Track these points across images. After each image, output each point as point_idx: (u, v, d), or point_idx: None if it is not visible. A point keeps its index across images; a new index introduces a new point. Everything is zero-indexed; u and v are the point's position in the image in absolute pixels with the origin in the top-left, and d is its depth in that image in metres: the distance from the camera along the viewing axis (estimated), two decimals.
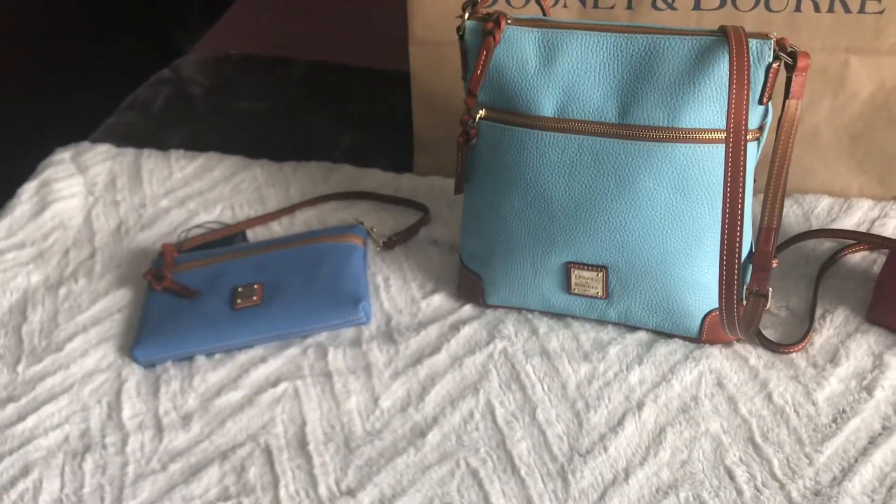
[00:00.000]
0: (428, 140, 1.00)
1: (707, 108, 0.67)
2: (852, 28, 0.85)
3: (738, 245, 0.64)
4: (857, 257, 0.83)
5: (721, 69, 0.66)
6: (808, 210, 0.88)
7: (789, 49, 0.66)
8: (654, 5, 0.88)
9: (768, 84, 0.67)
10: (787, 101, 0.67)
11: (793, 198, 0.90)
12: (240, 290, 0.81)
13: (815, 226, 0.87)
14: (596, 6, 0.90)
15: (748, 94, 0.64)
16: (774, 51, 0.66)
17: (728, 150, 0.64)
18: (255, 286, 0.81)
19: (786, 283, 0.81)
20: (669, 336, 0.77)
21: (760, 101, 0.67)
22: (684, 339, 0.76)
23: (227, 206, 0.97)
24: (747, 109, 0.64)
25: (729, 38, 0.65)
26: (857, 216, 0.87)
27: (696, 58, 0.67)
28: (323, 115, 1.10)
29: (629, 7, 0.89)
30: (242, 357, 0.79)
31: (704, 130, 0.68)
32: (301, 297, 0.79)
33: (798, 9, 0.86)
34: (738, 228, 0.64)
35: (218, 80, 1.19)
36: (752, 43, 0.66)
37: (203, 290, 0.82)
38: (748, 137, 0.67)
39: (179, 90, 1.19)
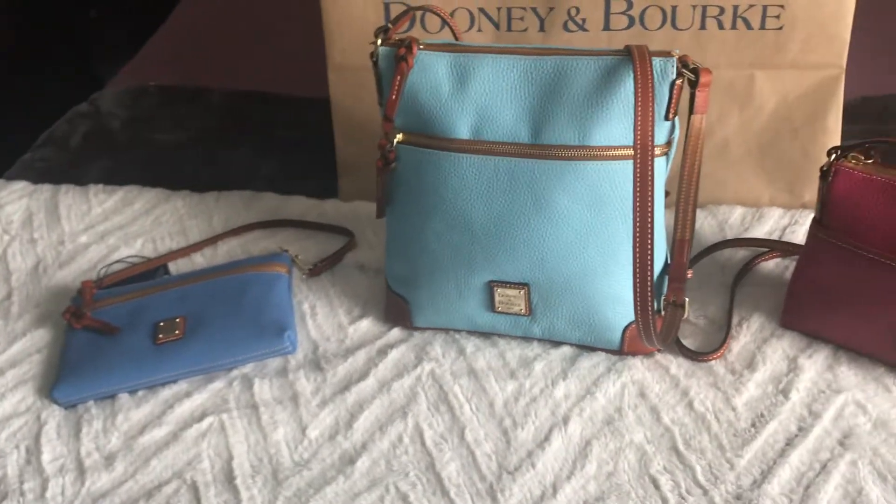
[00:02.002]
0: (351, 164, 1.00)
1: (615, 125, 0.69)
2: (755, 44, 0.88)
3: (650, 258, 0.65)
4: (771, 264, 0.86)
5: (627, 88, 0.68)
6: (722, 220, 0.91)
7: (692, 66, 0.68)
8: (565, 27, 0.90)
9: (673, 100, 0.69)
10: (692, 115, 0.69)
11: (707, 209, 0.92)
12: (162, 324, 0.79)
13: (730, 235, 0.89)
14: (510, 29, 0.91)
15: (654, 111, 0.66)
16: (677, 68, 0.68)
17: (636, 166, 0.65)
18: (178, 320, 0.80)
19: (703, 292, 0.83)
20: (593, 349, 0.78)
21: (666, 117, 0.70)
22: (607, 351, 0.77)
23: (149, 240, 0.95)
24: (653, 126, 0.66)
25: (633, 58, 0.67)
26: (769, 224, 0.90)
27: (603, 77, 0.69)
28: (244, 144, 1.10)
29: (542, 30, 0.91)
30: (166, 392, 0.77)
31: (614, 147, 0.69)
32: (225, 328, 0.78)
33: (703, 26, 0.89)
34: (650, 242, 0.65)
35: (136, 112, 1.18)
36: (656, 61, 0.68)
37: (124, 326, 0.80)
38: (656, 153, 0.69)
39: (97, 124, 1.17)
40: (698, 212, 0.92)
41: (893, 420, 0.69)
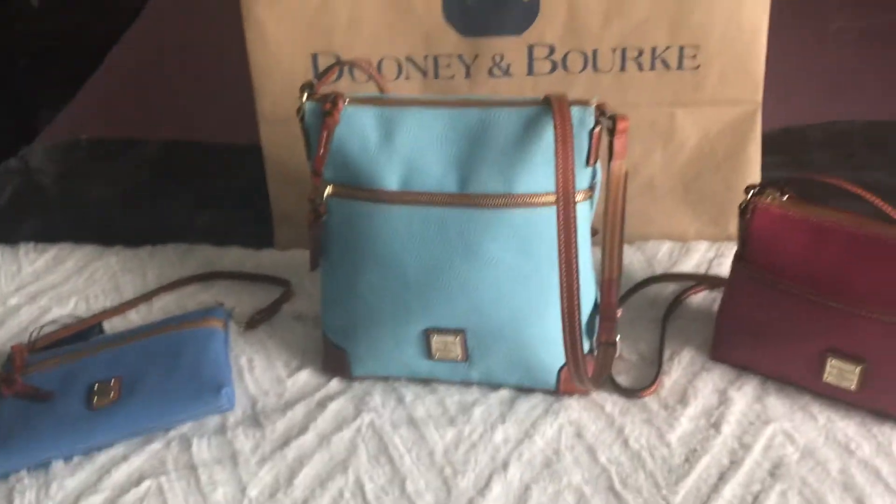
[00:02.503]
0: (287, 213, 1.00)
1: (539, 173, 0.71)
2: (674, 83, 0.91)
3: (576, 302, 0.67)
4: (699, 298, 0.88)
5: (548, 136, 0.70)
6: (650, 256, 0.93)
7: (609, 113, 0.70)
8: (491, 73, 0.92)
9: (593, 147, 0.71)
10: (612, 161, 0.71)
11: (635, 245, 0.95)
12: (96, 387, 0.78)
13: (658, 270, 0.91)
14: (437, 77, 0.93)
15: (573, 159, 0.68)
16: (596, 116, 0.70)
17: (559, 213, 0.67)
18: (112, 382, 0.78)
19: (634, 328, 0.85)
20: (530, 391, 0.79)
21: (587, 164, 0.71)
22: (544, 392, 0.79)
23: (82, 299, 0.94)
24: (573, 173, 0.68)
25: (552, 107, 0.69)
26: (696, 258, 0.93)
27: (525, 127, 0.71)
28: (178, 196, 1.09)
29: (468, 76, 0.93)
30: (102, 457, 0.76)
31: (538, 195, 0.71)
32: (160, 389, 0.78)
33: (623, 68, 0.91)
34: (576, 286, 0.67)
35: (68, 167, 1.17)
36: (575, 110, 0.70)
37: (58, 390, 0.79)
38: (578, 198, 0.71)
39: (27, 180, 1.15)
40: (627, 248, 0.93)
41: (820, 448, 0.72)
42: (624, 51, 0.91)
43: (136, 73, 1.40)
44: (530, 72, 0.92)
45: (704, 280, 0.89)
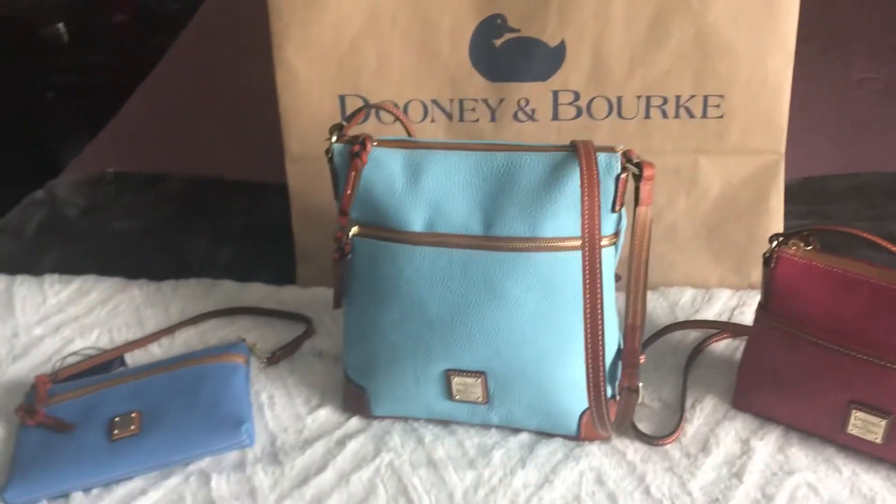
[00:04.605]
0: (310, 251, 1.01)
1: (564, 218, 0.71)
2: (698, 131, 0.92)
3: (601, 347, 0.67)
4: (722, 345, 0.88)
5: (574, 182, 0.71)
6: (673, 303, 0.93)
7: (635, 160, 0.71)
8: (515, 117, 0.94)
9: (619, 193, 0.71)
10: (637, 208, 0.71)
11: (658, 291, 0.95)
12: (116, 420, 0.79)
13: (681, 317, 0.91)
14: (462, 120, 0.94)
15: (599, 205, 0.68)
16: (622, 163, 0.71)
17: (584, 258, 0.67)
18: (133, 415, 0.79)
19: (657, 374, 0.84)
20: (551, 436, 0.78)
21: (613, 210, 0.72)
22: (565, 437, 0.78)
23: (105, 331, 0.95)
24: (599, 219, 0.68)
25: (579, 153, 0.70)
26: (719, 305, 0.92)
27: (551, 172, 0.71)
28: (201, 231, 1.10)
29: (493, 119, 0.94)
30: (121, 490, 0.76)
31: (563, 239, 0.71)
32: (181, 423, 0.78)
33: (648, 115, 0.92)
34: (600, 331, 0.67)
35: (93, 200, 1.18)
36: (601, 156, 0.71)
37: (78, 422, 0.79)
38: (603, 244, 0.72)
39: (53, 212, 1.17)
40: (650, 294, 0.94)
41: (845, 501, 0.71)
42: (648, 98, 0.92)
43: (163, 108, 1.42)
44: (555, 117, 0.93)
45: (727, 328, 0.88)
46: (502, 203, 0.72)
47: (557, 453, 0.77)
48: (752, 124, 0.91)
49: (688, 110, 0.92)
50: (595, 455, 0.76)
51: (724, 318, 0.91)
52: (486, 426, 0.80)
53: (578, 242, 0.71)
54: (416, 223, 0.73)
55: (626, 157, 0.71)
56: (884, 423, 0.71)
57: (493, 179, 0.73)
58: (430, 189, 0.73)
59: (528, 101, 0.93)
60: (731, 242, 0.95)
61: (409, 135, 0.84)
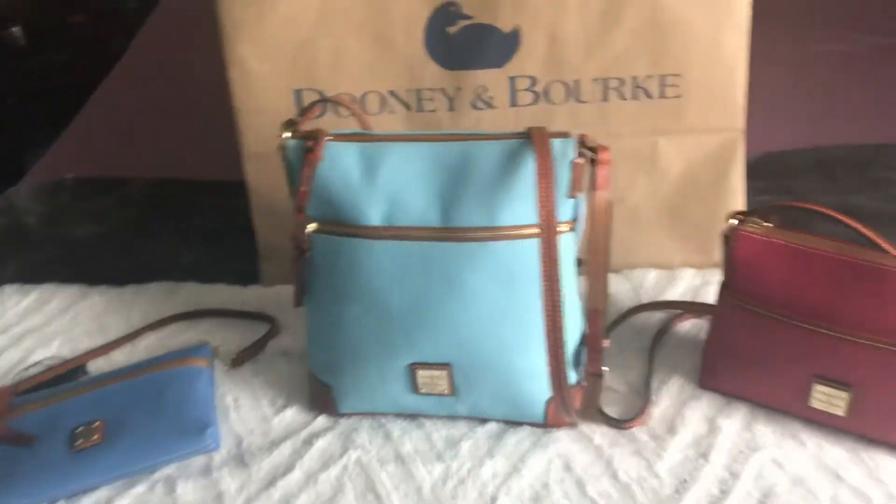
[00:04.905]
0: (273, 249, 1.00)
1: (521, 206, 0.71)
2: (656, 112, 0.92)
3: (561, 333, 0.67)
4: (687, 325, 0.88)
5: (530, 169, 0.70)
6: (637, 285, 0.93)
7: (591, 145, 0.71)
8: (474, 106, 0.93)
9: (575, 179, 0.71)
10: (595, 192, 0.71)
11: (622, 274, 0.95)
12: (79, 430, 0.77)
13: (645, 299, 0.91)
14: (420, 110, 0.93)
15: (554, 191, 0.68)
16: (577, 148, 0.71)
17: (542, 245, 0.67)
18: (96, 424, 0.78)
19: (623, 357, 0.84)
20: (519, 424, 0.78)
21: (570, 195, 0.71)
22: (532, 425, 0.78)
23: (66, 340, 0.93)
24: (555, 205, 0.68)
25: (533, 140, 0.70)
26: (683, 285, 0.93)
27: (507, 160, 0.71)
28: (164, 234, 1.09)
29: (451, 109, 0.93)
30: (87, 501, 0.75)
31: (521, 227, 0.71)
32: (144, 430, 0.77)
33: (605, 98, 0.92)
34: (559, 318, 0.67)
35: (53, 206, 1.16)
36: (556, 142, 0.70)
37: (40, 434, 0.78)
38: (562, 230, 0.72)
39: (12, 220, 1.15)
40: (614, 277, 0.94)
41: (810, 475, 0.71)
42: (605, 81, 0.91)
43: (121, 112, 1.40)
44: (513, 103, 0.93)
45: (691, 308, 0.88)
46: (459, 193, 0.72)
47: (525, 442, 0.76)
48: (709, 103, 0.91)
49: (645, 91, 0.91)
50: (563, 442, 0.76)
51: (688, 298, 0.91)
52: (453, 418, 0.80)
53: (536, 230, 0.70)
54: (374, 217, 0.73)
55: (582, 142, 0.71)
56: (846, 395, 0.71)
57: (450, 170, 0.72)
58: (386, 182, 0.73)
59: (485, 89, 0.92)
60: (694, 222, 0.95)
61: (365, 128, 0.83)
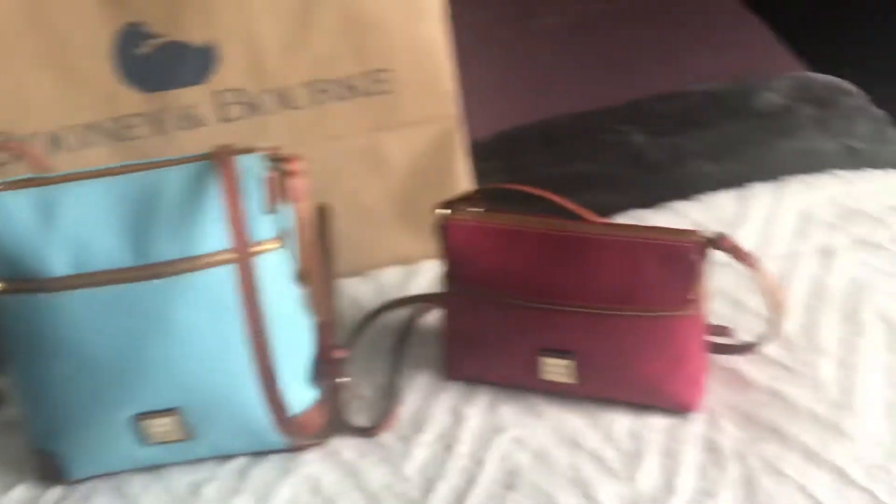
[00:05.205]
0: None
1: (215, 231, 0.67)
2: (372, 109, 0.91)
3: (269, 357, 0.65)
4: (431, 318, 0.88)
5: (217, 192, 0.67)
6: (379, 285, 0.92)
7: (280, 157, 0.68)
8: (181, 126, 0.88)
9: (270, 194, 0.68)
10: (295, 204, 0.69)
11: (365, 276, 0.93)
12: None
13: (389, 297, 0.90)
14: (125, 138, 0.87)
15: (245, 211, 0.65)
16: (266, 162, 0.68)
17: (238, 269, 0.64)
18: None
19: (370, 362, 0.83)
20: (266, 454, 0.75)
21: (269, 212, 0.69)
22: (279, 452, 0.75)
23: None
24: (247, 225, 0.65)
25: (217, 160, 0.66)
26: (424, 279, 0.92)
27: (192, 185, 0.67)
28: None
29: (159, 133, 0.88)
30: None
31: (218, 253, 0.67)
32: None
33: (319, 102, 0.90)
34: (265, 341, 0.64)
35: None
36: (242, 159, 0.67)
37: None
38: (266, 248, 0.69)
39: None
40: (355, 280, 0.92)
41: (550, 448, 0.72)
42: (314, 84, 0.89)
43: None
44: (223, 119, 0.89)
45: (430, 299, 0.88)
46: (150, 227, 0.67)
47: (272, 472, 0.73)
48: (420, 93, 0.91)
49: (356, 90, 0.90)
50: (311, 464, 0.73)
51: (431, 290, 0.91)
52: (197, 461, 0.75)
53: (232, 255, 0.67)
54: (59, 267, 0.67)
55: (271, 155, 0.68)
56: (570, 363, 0.73)
57: (136, 203, 0.67)
58: (68, 227, 0.67)
59: (191, 108, 0.88)
60: (426, 214, 0.93)
61: (42, 170, 0.76)
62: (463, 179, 0.95)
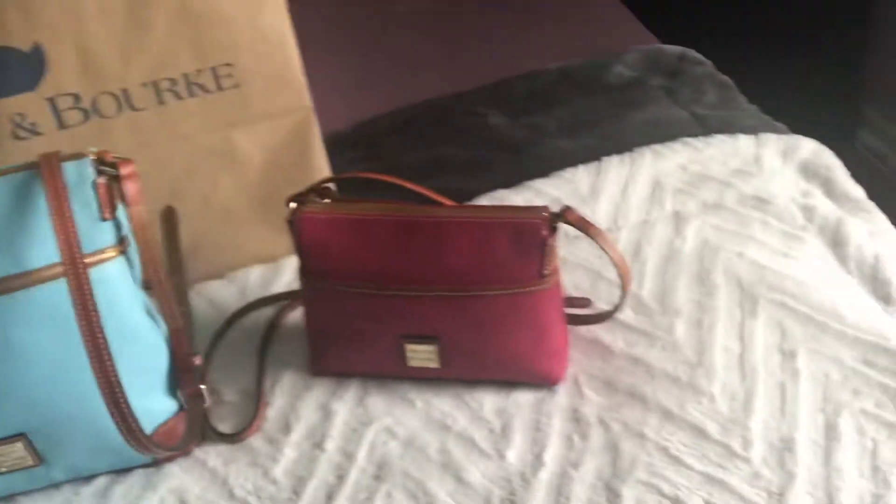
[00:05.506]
0: None
1: (45, 243, 0.64)
2: (220, 105, 0.88)
3: (110, 370, 0.62)
4: (296, 316, 0.86)
5: (44, 202, 0.63)
6: (242, 286, 0.89)
7: (110, 161, 0.65)
8: (16, 136, 0.83)
9: (103, 200, 0.65)
10: (129, 209, 0.66)
11: (227, 278, 0.90)
12: None
13: (252, 298, 0.88)
14: None
15: (73, 220, 0.62)
16: (96, 167, 0.65)
17: (70, 280, 0.61)
18: None
19: (233, 366, 0.80)
20: (129, 470, 0.72)
21: (104, 218, 0.66)
22: (143, 467, 0.72)
23: None
24: (77, 235, 0.62)
25: (41, 169, 0.63)
26: (288, 276, 0.90)
27: (18, 197, 0.64)
28: None
29: None
30: None
31: (51, 267, 0.64)
32: None
33: (162, 101, 0.86)
34: (105, 354, 0.61)
35: None
36: (69, 166, 0.64)
37: None
38: (107, 256, 0.66)
39: None
40: (219, 282, 0.90)
41: (420, 434, 0.72)
42: (156, 84, 0.85)
43: None
44: (61, 125, 0.84)
45: (291, 296, 0.86)
46: None
47: (135, 488, 0.71)
48: (270, 86, 0.89)
49: (201, 87, 0.87)
50: (175, 476, 0.71)
51: (295, 287, 0.89)
52: (53, 487, 0.71)
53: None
54: None
55: (100, 159, 0.65)
56: (433, 347, 0.72)
57: None
58: None
59: (24, 116, 0.83)
60: (285, 209, 0.93)
61: None
62: (321, 172, 0.93)
